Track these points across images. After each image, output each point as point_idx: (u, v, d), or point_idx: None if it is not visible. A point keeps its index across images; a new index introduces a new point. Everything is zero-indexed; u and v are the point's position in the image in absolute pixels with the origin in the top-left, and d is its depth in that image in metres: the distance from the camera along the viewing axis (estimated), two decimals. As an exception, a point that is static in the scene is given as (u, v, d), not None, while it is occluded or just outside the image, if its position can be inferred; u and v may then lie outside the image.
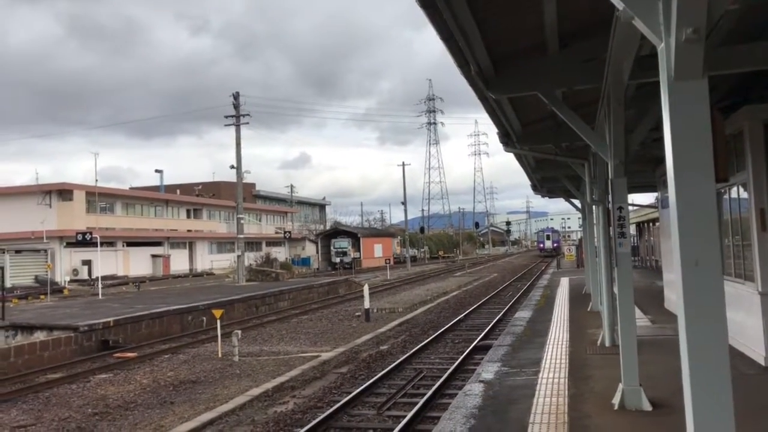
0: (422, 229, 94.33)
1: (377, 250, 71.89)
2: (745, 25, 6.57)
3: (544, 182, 20.98)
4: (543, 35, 6.65)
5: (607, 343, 10.99)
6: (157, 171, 77.80)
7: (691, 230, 2.87)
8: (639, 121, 8.38)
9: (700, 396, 2.85)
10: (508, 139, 11.46)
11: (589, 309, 16.52)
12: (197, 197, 71.90)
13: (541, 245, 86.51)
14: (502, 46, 6.85)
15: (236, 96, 40.24)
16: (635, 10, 2.94)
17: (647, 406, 6.88)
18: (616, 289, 7.60)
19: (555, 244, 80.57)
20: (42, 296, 32.47)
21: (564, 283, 26.73)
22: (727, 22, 6.01)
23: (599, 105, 7.99)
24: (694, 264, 2.85)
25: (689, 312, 2.89)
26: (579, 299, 19.56)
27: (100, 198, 53.38)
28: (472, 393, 8.29)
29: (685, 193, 2.88)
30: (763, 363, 8.58)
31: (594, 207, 13.41)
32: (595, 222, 13.97)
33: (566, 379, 8.65)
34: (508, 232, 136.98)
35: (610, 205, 7.45)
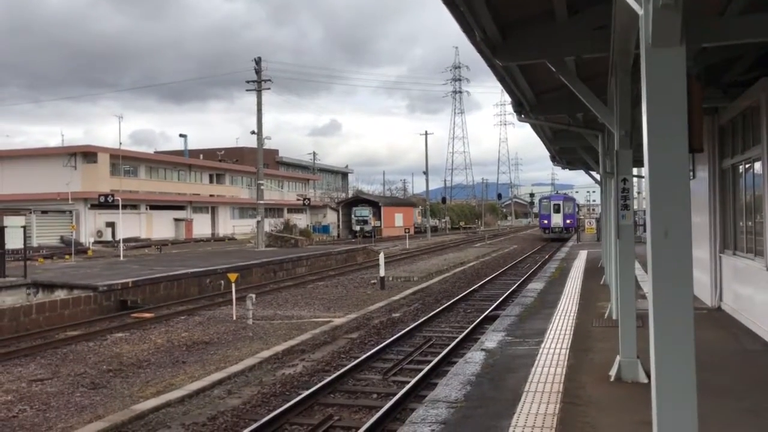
0: (444, 200, 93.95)
1: (398, 220, 72.06)
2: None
3: (563, 153, 20.76)
4: (551, 1, 6.52)
5: (615, 316, 10.92)
6: (181, 135, 78.41)
7: (662, 199, 2.84)
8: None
9: (665, 368, 2.86)
10: (521, 108, 11.33)
11: (602, 282, 16.46)
12: (220, 162, 72.38)
13: (545, 221, 53.76)
14: (508, 11, 6.74)
15: (258, 61, 40.21)
16: (617, -25, 2.89)
17: (643, 378, 6.88)
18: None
19: (569, 220, 52.33)
20: (67, 256, 33.18)
21: (582, 256, 26.60)
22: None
23: (609, 75, 7.85)
24: (663, 234, 2.82)
25: (657, 283, 2.87)
26: (593, 272, 19.48)
27: (124, 161, 53.99)
28: (472, 361, 8.36)
29: (658, 162, 2.85)
30: (768, 339, 8.52)
31: (607, 179, 13.26)
32: (609, 194, 13.82)
33: (567, 350, 8.68)
34: (532, 203, 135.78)
35: (617, 177, 7.35)
